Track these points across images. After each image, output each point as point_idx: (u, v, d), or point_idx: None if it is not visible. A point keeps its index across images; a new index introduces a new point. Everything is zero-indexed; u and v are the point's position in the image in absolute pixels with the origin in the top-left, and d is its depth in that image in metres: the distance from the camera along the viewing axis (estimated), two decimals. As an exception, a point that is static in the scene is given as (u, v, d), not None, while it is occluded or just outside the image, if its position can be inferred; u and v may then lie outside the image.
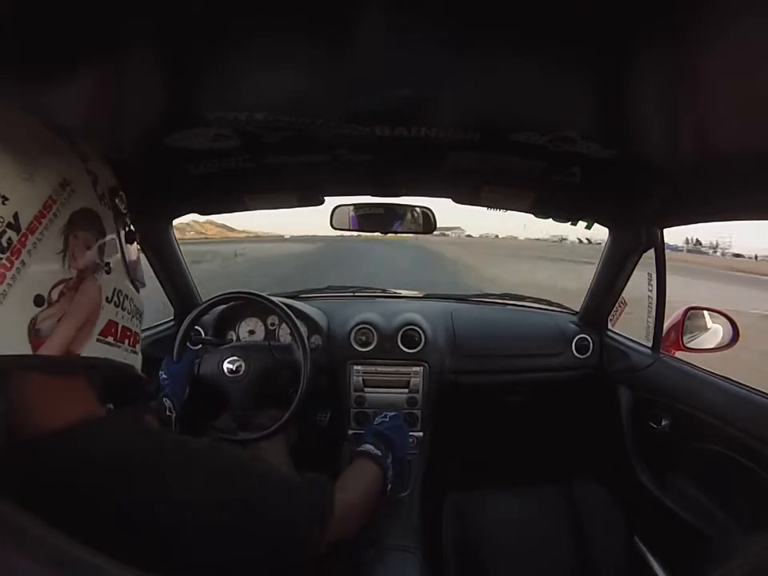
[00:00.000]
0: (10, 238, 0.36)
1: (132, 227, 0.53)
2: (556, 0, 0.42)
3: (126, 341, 0.50)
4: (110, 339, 0.46)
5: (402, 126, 0.79)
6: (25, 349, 0.39)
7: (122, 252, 0.50)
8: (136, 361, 0.52)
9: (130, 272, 0.52)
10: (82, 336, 0.43)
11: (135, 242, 0.53)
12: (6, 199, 0.37)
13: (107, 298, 0.46)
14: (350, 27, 0.48)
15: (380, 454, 0.90)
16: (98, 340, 0.45)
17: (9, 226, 0.37)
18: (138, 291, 0.54)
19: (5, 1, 0.39)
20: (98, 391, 0.49)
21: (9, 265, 0.37)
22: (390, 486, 0.90)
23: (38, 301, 0.39)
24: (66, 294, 0.41)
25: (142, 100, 0.68)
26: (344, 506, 0.65)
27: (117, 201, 0.50)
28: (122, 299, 0.49)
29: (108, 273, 0.47)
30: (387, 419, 1.05)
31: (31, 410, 0.43)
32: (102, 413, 0.48)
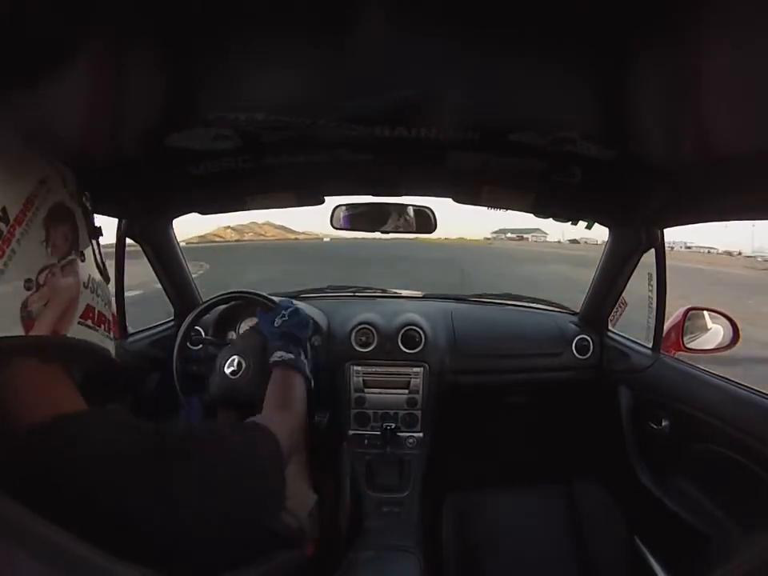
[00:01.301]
0: (0, 229, 0.41)
1: (97, 224, 0.58)
2: (556, 0, 0.42)
3: (102, 326, 0.54)
4: (89, 322, 0.51)
5: (402, 126, 0.79)
6: (18, 331, 0.42)
7: (92, 245, 0.55)
8: (111, 346, 0.57)
9: (98, 264, 0.56)
10: (66, 318, 0.47)
11: (100, 237, 0.59)
12: None
13: (84, 283, 0.51)
14: (350, 28, 0.48)
15: (293, 356, 0.88)
16: (78, 323, 0.49)
17: None
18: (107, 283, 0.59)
19: (4, 1, 0.39)
20: (78, 385, 0.51)
21: (1, 253, 0.41)
22: (312, 382, 0.91)
23: (28, 285, 0.43)
24: (51, 279, 0.46)
25: (143, 100, 0.68)
26: (290, 439, 0.68)
27: (83, 199, 0.55)
28: (96, 286, 0.53)
29: (83, 261, 0.51)
30: (287, 317, 0.98)
31: (17, 403, 0.44)
32: (84, 407, 0.49)
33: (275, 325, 0.97)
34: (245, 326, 1.48)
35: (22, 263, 0.43)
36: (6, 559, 0.27)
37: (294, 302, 1.45)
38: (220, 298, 1.22)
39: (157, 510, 0.44)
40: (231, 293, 1.23)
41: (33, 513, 0.31)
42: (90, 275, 0.52)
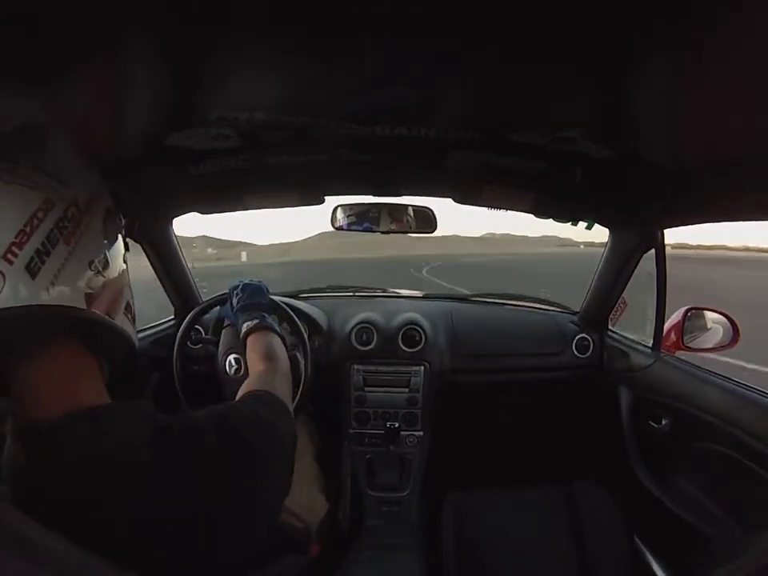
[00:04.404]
0: (73, 213, 0.47)
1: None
2: (557, 0, 0.42)
3: (134, 323, 0.57)
4: (129, 317, 0.55)
5: (402, 126, 0.79)
6: (82, 304, 0.46)
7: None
8: (136, 345, 0.59)
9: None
10: (116, 306, 0.52)
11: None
12: (69, 185, 0.47)
13: (125, 279, 0.56)
14: (351, 28, 0.48)
15: (257, 320, 0.89)
16: (123, 313, 0.54)
17: (72, 204, 0.47)
18: None
19: (5, 1, 0.39)
20: (104, 380, 0.52)
21: (73, 232, 0.47)
22: (285, 339, 0.93)
23: (91, 265, 0.48)
24: (106, 266, 0.51)
25: (143, 100, 0.68)
26: (288, 399, 0.68)
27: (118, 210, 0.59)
28: (130, 286, 0.58)
29: (124, 260, 0.56)
30: (240, 293, 0.98)
31: (44, 393, 0.45)
32: (109, 401, 0.50)
33: (234, 306, 0.98)
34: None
35: (87, 246, 0.48)
36: (9, 568, 0.27)
37: (294, 301, 1.46)
38: (220, 297, 1.22)
39: (180, 511, 0.44)
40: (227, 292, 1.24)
41: (37, 522, 0.31)
42: (127, 275, 0.57)
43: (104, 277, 0.50)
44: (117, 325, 0.51)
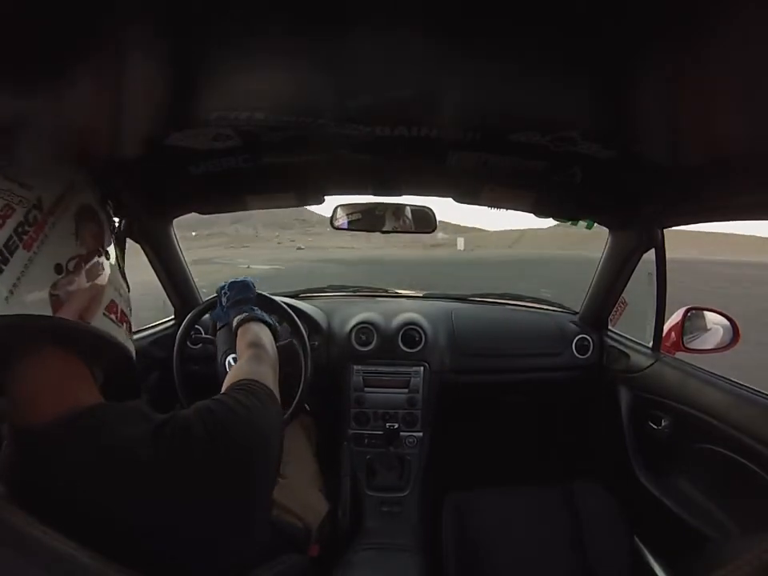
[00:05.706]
0: (35, 216, 0.46)
1: (120, 230, 0.59)
2: (556, 0, 0.42)
3: (125, 324, 0.56)
4: (113, 317, 0.53)
5: (403, 126, 0.79)
6: (46, 311, 0.45)
7: (116, 251, 0.58)
8: (132, 348, 0.57)
9: (121, 270, 0.58)
10: (92, 308, 0.50)
11: (121, 246, 0.58)
12: (31, 187, 0.47)
13: (109, 279, 0.54)
14: (350, 28, 0.48)
15: (246, 313, 0.92)
16: (104, 314, 0.52)
17: (34, 206, 0.46)
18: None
19: (4, 1, 0.39)
20: (98, 383, 0.52)
21: (35, 236, 0.45)
22: (276, 327, 0.95)
23: (58, 269, 0.47)
24: (79, 268, 0.49)
25: (143, 100, 0.68)
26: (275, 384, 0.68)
27: (107, 207, 0.58)
28: (118, 285, 0.56)
29: (108, 259, 0.55)
30: (227, 291, 1.01)
31: (37, 395, 0.45)
32: (103, 401, 0.50)
33: (223, 305, 1.01)
34: None
35: (53, 249, 0.46)
36: (5, 567, 0.27)
37: (294, 301, 1.46)
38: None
39: (178, 510, 0.45)
40: None
41: (37, 519, 0.31)
42: (114, 274, 0.56)
43: (75, 279, 0.48)
44: (91, 328, 0.49)
